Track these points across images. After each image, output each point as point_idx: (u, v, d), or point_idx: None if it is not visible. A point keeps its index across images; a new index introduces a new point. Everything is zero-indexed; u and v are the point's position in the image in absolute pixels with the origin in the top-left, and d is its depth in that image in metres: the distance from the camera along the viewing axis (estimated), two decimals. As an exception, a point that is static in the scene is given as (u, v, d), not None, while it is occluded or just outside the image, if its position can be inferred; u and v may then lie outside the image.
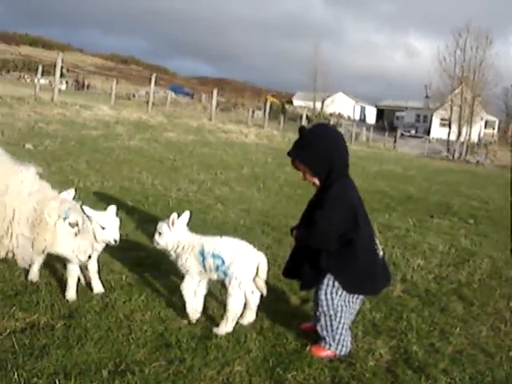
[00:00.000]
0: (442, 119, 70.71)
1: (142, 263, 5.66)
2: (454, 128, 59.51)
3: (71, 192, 4.37)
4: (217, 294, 4.97)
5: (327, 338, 4.18)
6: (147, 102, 29.93)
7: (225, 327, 4.31)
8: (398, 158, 33.10)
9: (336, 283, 4.11)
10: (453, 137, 59.08)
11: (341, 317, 4.15)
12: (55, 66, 23.74)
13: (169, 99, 37.25)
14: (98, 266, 4.88)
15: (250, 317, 4.53)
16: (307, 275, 4.28)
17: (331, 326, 4.16)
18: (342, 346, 4.18)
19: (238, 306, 4.33)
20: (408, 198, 13.99)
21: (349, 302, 4.17)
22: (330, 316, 4.13)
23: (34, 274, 4.98)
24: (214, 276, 4.45)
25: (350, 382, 3.78)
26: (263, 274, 4.41)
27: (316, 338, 4.25)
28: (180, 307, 4.61)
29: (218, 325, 4.36)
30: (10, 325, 4.03)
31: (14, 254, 4.08)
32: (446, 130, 62.36)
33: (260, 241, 7.12)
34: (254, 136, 26.25)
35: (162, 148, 16.44)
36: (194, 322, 4.42)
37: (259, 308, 4.58)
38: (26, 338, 3.84)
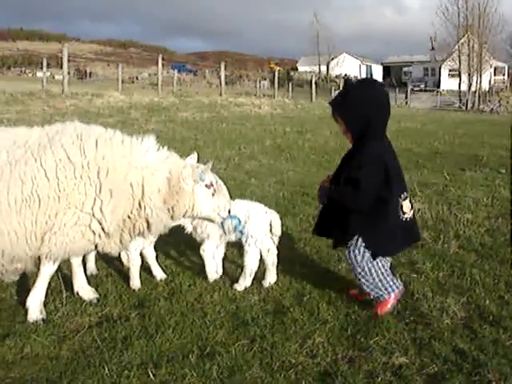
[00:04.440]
0: (450, 70, 69.67)
1: (194, 246, 5.65)
2: (464, 78, 58.64)
3: (195, 156, 4.44)
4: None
5: (373, 292, 4.24)
6: (151, 84, 29.79)
7: (243, 282, 4.66)
8: (412, 114, 32.76)
9: (359, 242, 4.14)
10: (463, 87, 58.30)
11: (371, 271, 4.18)
12: (57, 57, 23.61)
13: (175, 79, 36.98)
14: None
15: (270, 278, 4.75)
16: (337, 234, 4.30)
17: (367, 281, 4.21)
18: (391, 289, 4.22)
19: (255, 261, 4.66)
20: (435, 153, 13.87)
21: (375, 260, 4.19)
22: (362, 274, 4.20)
23: (92, 268, 5.01)
24: (232, 237, 4.76)
25: (431, 342, 3.77)
26: (278, 231, 4.75)
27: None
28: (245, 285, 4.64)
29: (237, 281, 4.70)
30: (85, 320, 4.07)
31: (148, 224, 4.09)
32: (456, 81, 61.49)
33: (305, 212, 7.11)
34: (267, 107, 26.09)
35: (180, 128, 16.39)
36: (211, 281, 4.73)
37: (319, 277, 4.68)
38: (105, 332, 3.88)
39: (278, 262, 4.77)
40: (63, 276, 4.71)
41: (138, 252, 4.73)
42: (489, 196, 8.24)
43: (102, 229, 3.91)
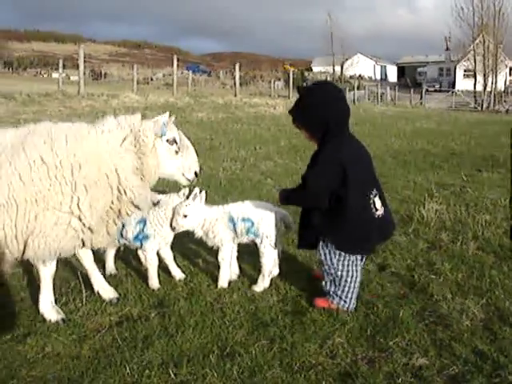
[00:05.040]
0: (465, 71, 69.32)
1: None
2: (479, 78, 58.28)
3: (166, 114, 4.18)
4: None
5: (331, 292, 4.31)
6: (166, 85, 29.84)
7: (263, 283, 4.64)
8: (427, 115, 32.61)
9: (329, 243, 4.22)
10: (479, 87, 57.97)
11: (342, 275, 4.25)
12: (72, 58, 23.76)
13: (190, 79, 37.08)
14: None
15: (274, 271, 4.77)
16: (303, 234, 4.43)
17: (334, 282, 4.30)
18: (345, 301, 4.27)
19: (272, 262, 4.65)
20: (451, 153, 13.81)
21: (348, 260, 4.25)
22: (331, 275, 4.29)
23: (111, 268, 5.04)
24: (245, 239, 4.74)
25: (451, 343, 3.76)
26: (292, 227, 4.79)
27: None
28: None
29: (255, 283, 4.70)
30: (106, 320, 4.10)
31: (136, 204, 4.04)
32: (471, 81, 61.21)
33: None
34: (282, 107, 26.02)
35: (195, 129, 16.40)
36: (220, 287, 4.69)
37: None
38: (126, 331, 3.90)
39: (295, 263, 4.79)
40: (83, 276, 4.74)
41: (155, 252, 4.76)
42: (506, 197, 8.18)
43: (84, 225, 3.84)
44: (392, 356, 3.59)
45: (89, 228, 3.89)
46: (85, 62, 24.93)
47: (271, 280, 4.70)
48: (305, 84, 4.62)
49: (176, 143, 4.11)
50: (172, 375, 3.32)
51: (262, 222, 4.61)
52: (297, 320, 4.06)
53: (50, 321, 4.06)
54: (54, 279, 4.25)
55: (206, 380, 3.29)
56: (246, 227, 4.61)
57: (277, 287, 4.67)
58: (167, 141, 4.05)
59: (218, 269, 4.76)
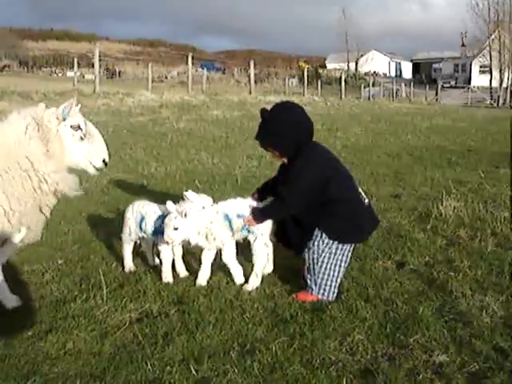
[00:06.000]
0: (481, 67, 68.82)
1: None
2: (495, 74, 57.87)
3: (70, 101, 4.09)
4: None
5: (309, 282, 4.41)
6: (180, 83, 29.88)
7: (255, 281, 4.60)
8: (443, 111, 32.47)
9: (323, 234, 4.32)
10: (495, 83, 57.53)
11: (323, 261, 4.35)
12: (87, 57, 23.88)
13: (205, 77, 37.08)
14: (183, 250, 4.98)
15: (268, 268, 4.83)
16: (296, 240, 4.50)
17: (313, 269, 4.38)
18: (324, 290, 4.37)
19: (265, 259, 4.66)
20: (468, 150, 13.73)
21: (336, 248, 4.34)
22: (313, 259, 4.36)
23: (130, 265, 5.07)
24: (239, 235, 4.66)
25: (472, 340, 3.74)
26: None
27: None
28: (284, 282, 4.69)
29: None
30: (126, 316, 4.11)
31: (62, 191, 4.06)
32: (487, 77, 60.83)
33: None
34: (296, 105, 26.01)
35: (211, 127, 16.46)
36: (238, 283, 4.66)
37: (355, 274, 4.81)
38: (146, 328, 3.92)
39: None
40: (103, 273, 4.78)
41: (170, 247, 4.78)
42: (525, 194, 8.13)
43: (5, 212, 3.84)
44: (412, 353, 3.58)
45: (10, 216, 3.87)
46: (99, 60, 25.05)
47: (289, 276, 4.70)
48: (266, 107, 4.76)
49: (81, 129, 4.04)
50: (193, 371, 3.33)
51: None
52: (316, 317, 4.07)
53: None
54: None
55: (228, 376, 3.30)
56: (241, 223, 4.58)
57: (296, 284, 4.66)
58: (71, 127, 4.02)
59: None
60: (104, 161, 4.22)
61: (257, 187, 5.02)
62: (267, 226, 4.62)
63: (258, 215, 4.53)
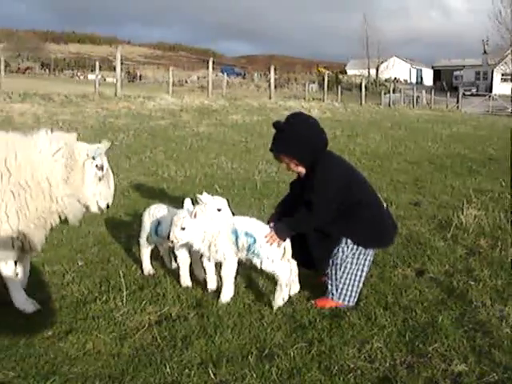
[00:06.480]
0: (503, 75, 68.42)
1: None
2: (518, 82, 57.50)
3: (106, 144, 4.34)
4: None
5: (330, 287, 4.41)
6: (200, 87, 29.99)
7: (281, 295, 4.33)
8: (464, 119, 32.26)
9: (348, 240, 4.34)
10: (517, 92, 57.10)
11: (346, 267, 4.36)
12: (108, 60, 24.08)
13: (225, 82, 37.23)
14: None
15: (295, 288, 4.61)
16: (319, 256, 4.45)
17: (335, 274, 4.39)
18: (345, 295, 4.38)
19: (288, 273, 4.35)
20: (489, 159, 13.62)
21: (360, 253, 4.37)
22: (336, 265, 4.37)
23: (148, 268, 5.09)
24: (243, 255, 4.44)
25: (492, 350, 3.71)
26: (289, 254, 4.43)
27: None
28: (302, 288, 4.68)
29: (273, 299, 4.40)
30: (145, 319, 4.15)
31: (64, 215, 4.25)
32: (509, 85, 60.43)
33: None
34: (316, 110, 26.01)
35: (230, 131, 16.51)
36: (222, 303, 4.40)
37: (374, 282, 4.80)
38: (165, 331, 3.95)
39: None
40: (123, 275, 4.82)
41: (187, 251, 4.79)
42: (546, 203, 8.06)
43: (12, 229, 3.98)
44: (431, 362, 3.57)
45: (19, 232, 4.02)
46: (121, 63, 25.23)
47: (308, 282, 4.70)
48: (279, 120, 4.79)
49: (102, 170, 4.28)
50: (211, 375, 3.34)
51: (264, 240, 4.33)
52: (335, 323, 4.06)
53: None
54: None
55: (246, 381, 3.30)
56: (247, 243, 4.34)
57: (314, 290, 4.65)
58: (96, 166, 4.23)
59: (256, 270, 4.76)
60: (107, 205, 4.43)
61: (271, 213, 4.93)
62: (274, 249, 4.33)
63: (283, 229, 4.36)
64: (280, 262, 4.35)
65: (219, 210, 4.67)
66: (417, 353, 3.68)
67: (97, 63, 31.54)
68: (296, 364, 3.49)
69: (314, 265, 4.59)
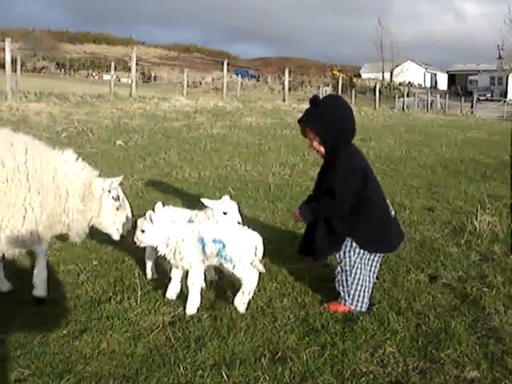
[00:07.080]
0: (517, 80, 68.10)
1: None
2: (533, 87, 57.13)
3: (120, 178, 4.85)
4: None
5: (342, 293, 4.43)
6: (215, 89, 30.03)
7: (243, 300, 4.28)
8: (478, 124, 32.13)
9: (354, 243, 4.35)
10: (532, 97, 56.78)
11: (356, 273, 4.38)
12: (123, 61, 24.21)
13: (239, 84, 37.32)
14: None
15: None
16: (321, 247, 4.46)
17: (346, 281, 4.41)
18: (357, 301, 4.39)
19: (255, 281, 4.29)
20: (503, 164, 13.53)
21: (368, 259, 4.42)
22: (346, 271, 4.39)
23: (150, 274, 5.02)
24: (214, 261, 4.38)
25: (504, 357, 3.71)
26: (260, 254, 4.39)
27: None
28: (315, 292, 4.70)
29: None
30: (159, 319, 4.18)
31: (68, 229, 4.56)
32: (524, 90, 60.01)
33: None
34: (330, 114, 25.95)
35: (244, 133, 16.52)
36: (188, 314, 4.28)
37: (387, 287, 4.82)
38: (179, 331, 3.97)
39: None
40: (138, 275, 4.85)
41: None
42: (561, 210, 8.01)
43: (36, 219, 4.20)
44: (443, 367, 3.57)
45: (41, 221, 4.26)
46: (136, 64, 25.34)
47: (320, 286, 4.73)
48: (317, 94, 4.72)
49: (118, 200, 4.77)
50: (225, 377, 3.37)
51: (234, 245, 4.26)
52: (348, 327, 4.08)
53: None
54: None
55: (258, 383, 3.33)
56: (216, 249, 4.27)
57: (327, 293, 4.66)
58: (112, 197, 4.73)
59: (269, 272, 4.78)
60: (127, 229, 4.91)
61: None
62: (245, 252, 4.27)
63: (306, 213, 4.48)
64: (250, 268, 4.29)
65: (225, 213, 4.71)
66: (429, 358, 3.69)
67: (112, 64, 31.83)
68: (309, 367, 3.51)
69: (312, 253, 4.60)
